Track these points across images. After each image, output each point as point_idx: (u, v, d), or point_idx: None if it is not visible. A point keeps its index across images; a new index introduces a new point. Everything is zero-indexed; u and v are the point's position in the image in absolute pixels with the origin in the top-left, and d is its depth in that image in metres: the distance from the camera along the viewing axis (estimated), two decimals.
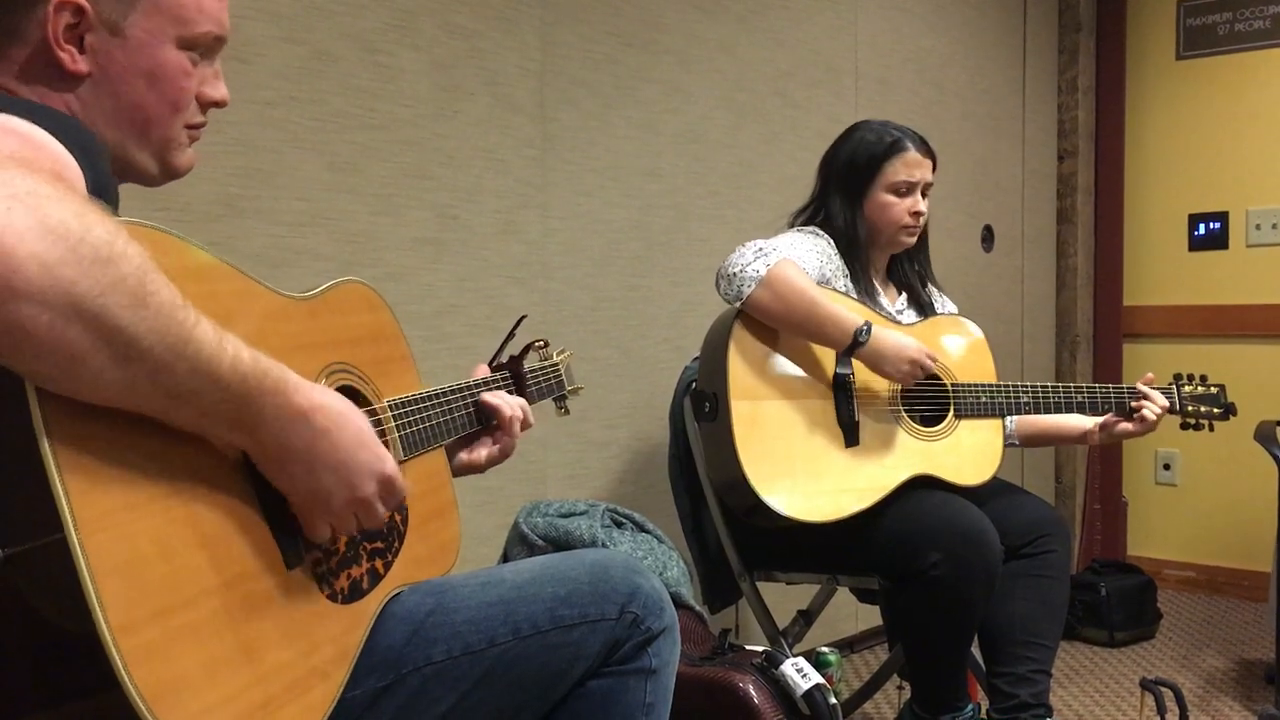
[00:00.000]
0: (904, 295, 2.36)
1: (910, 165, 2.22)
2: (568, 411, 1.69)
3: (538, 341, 1.61)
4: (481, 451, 1.42)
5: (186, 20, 1.10)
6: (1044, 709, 2.11)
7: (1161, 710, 2.26)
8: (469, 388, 1.41)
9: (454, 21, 2.22)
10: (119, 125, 1.09)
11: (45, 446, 0.78)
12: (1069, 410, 2.27)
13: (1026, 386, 2.24)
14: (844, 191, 2.24)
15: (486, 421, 1.42)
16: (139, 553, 0.83)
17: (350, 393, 1.18)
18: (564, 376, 1.66)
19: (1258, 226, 3.87)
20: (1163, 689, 2.28)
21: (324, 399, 0.99)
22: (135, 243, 0.81)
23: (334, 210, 2.05)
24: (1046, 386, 2.25)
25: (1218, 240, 3.96)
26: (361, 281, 1.29)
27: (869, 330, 2.03)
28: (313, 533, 1.02)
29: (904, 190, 2.22)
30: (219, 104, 1.17)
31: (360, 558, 1.12)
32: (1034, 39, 4.00)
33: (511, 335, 1.55)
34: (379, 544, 1.16)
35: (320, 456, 0.98)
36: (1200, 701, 2.84)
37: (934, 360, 2.10)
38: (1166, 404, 2.25)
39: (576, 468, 2.50)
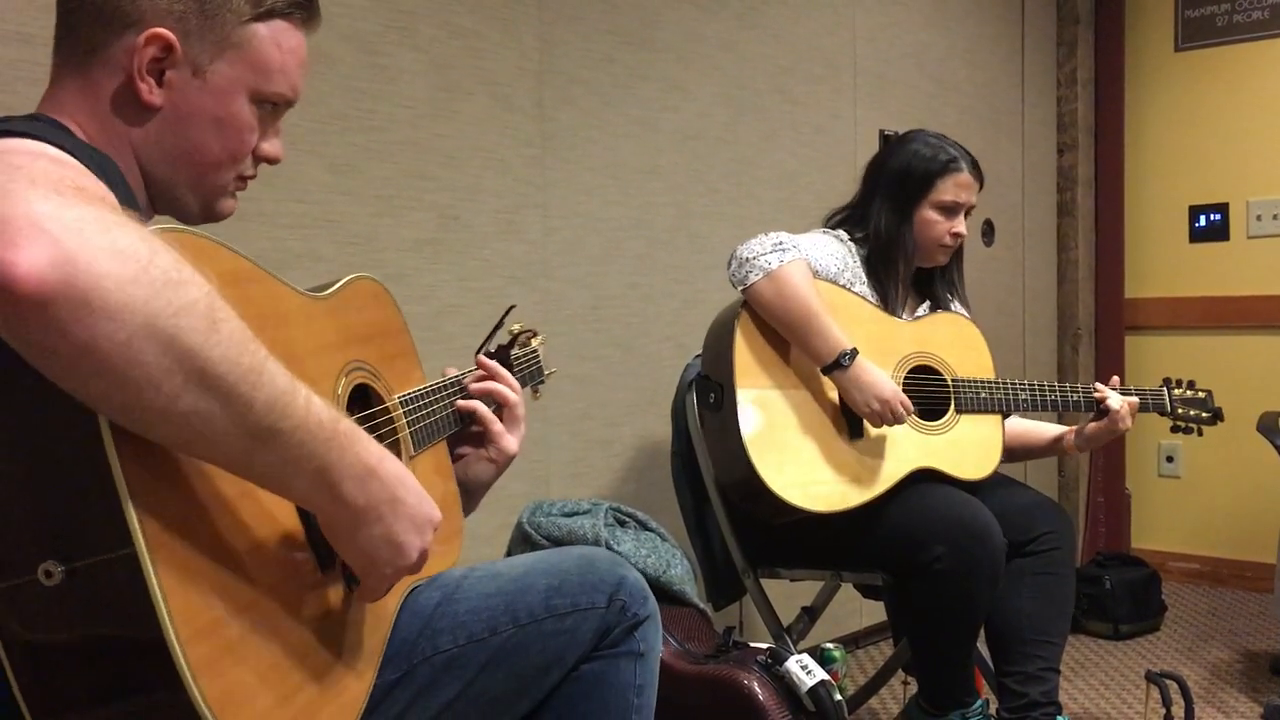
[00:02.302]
0: (926, 304, 2.34)
1: (961, 187, 2.21)
2: (539, 396, 1.68)
3: (527, 331, 1.62)
4: (477, 467, 1.41)
5: (266, 77, 1.12)
6: (1054, 707, 2.12)
7: (1167, 702, 2.26)
8: (464, 375, 1.43)
9: (452, 22, 2.22)
10: (176, 163, 1.11)
11: (114, 460, 0.78)
12: (1065, 409, 2.27)
13: (1025, 384, 2.25)
14: (892, 201, 2.22)
15: (466, 423, 1.40)
16: (198, 563, 0.84)
17: (365, 390, 1.21)
18: (541, 362, 1.67)
19: (1258, 217, 3.87)
20: (1168, 681, 2.28)
21: (383, 450, 0.97)
22: (198, 272, 0.81)
23: (334, 212, 2.05)
24: (1044, 385, 2.26)
25: (1218, 232, 3.96)
26: (370, 277, 1.31)
27: (853, 356, 2.03)
28: (376, 594, 1.01)
29: (950, 210, 2.21)
30: (272, 160, 1.19)
31: None
32: (1032, 32, 3.99)
33: (500, 325, 1.56)
34: None
35: (400, 508, 0.96)
36: (1206, 693, 2.84)
37: (909, 411, 2.08)
38: (1134, 401, 2.26)
39: (579, 466, 2.51)
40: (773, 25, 2.96)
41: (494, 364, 1.45)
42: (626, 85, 2.58)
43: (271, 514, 0.95)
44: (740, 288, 2.07)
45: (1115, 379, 2.33)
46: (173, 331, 0.77)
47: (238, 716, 0.83)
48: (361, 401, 1.21)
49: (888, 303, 2.23)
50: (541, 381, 1.68)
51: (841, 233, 2.26)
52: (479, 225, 2.28)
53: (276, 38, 1.12)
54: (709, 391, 2.11)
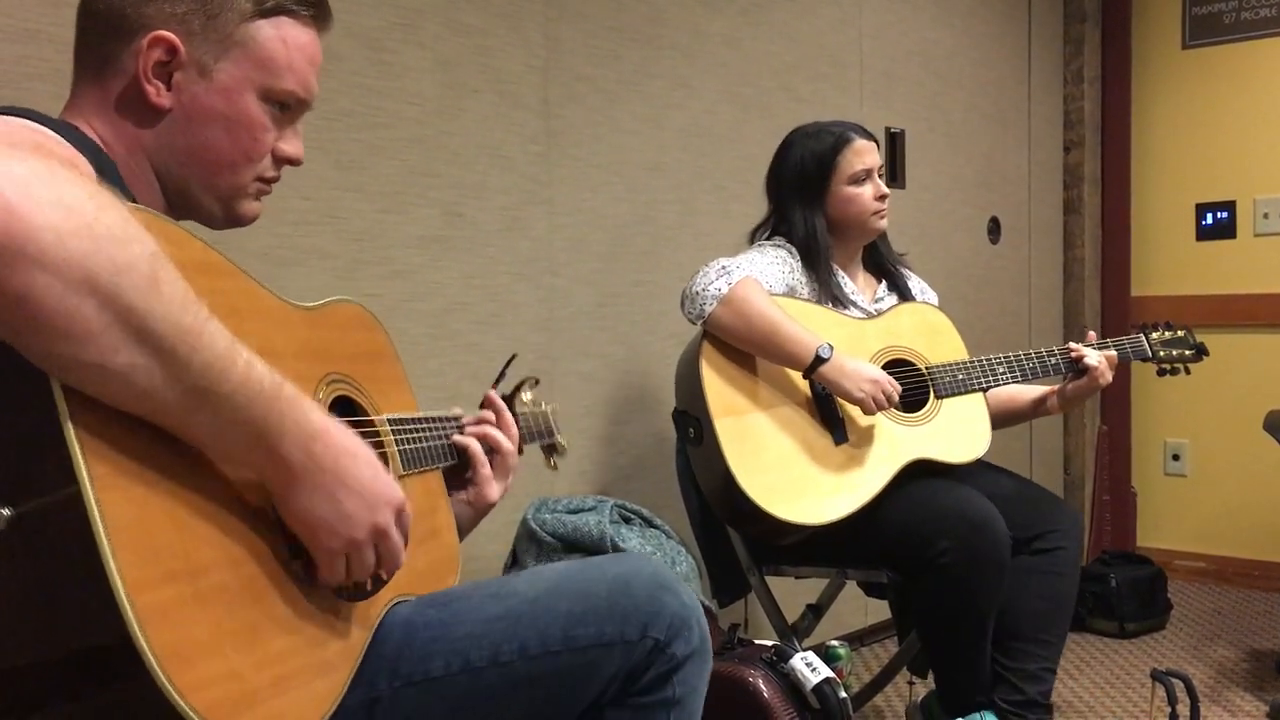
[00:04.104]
0: (884, 283, 2.36)
1: (860, 153, 2.23)
2: (556, 467, 1.65)
3: (530, 379, 1.59)
4: (455, 509, 1.35)
5: (273, 74, 1.12)
6: (1048, 707, 2.12)
7: (1172, 701, 2.25)
8: (461, 417, 1.40)
9: (458, 19, 2.22)
10: (188, 164, 1.11)
11: (61, 404, 0.78)
12: (1045, 374, 2.25)
13: (1001, 357, 2.24)
14: (801, 198, 2.24)
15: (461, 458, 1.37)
16: (150, 516, 0.83)
17: (348, 403, 1.19)
18: (552, 423, 1.63)
19: (1265, 215, 3.86)
20: (1174, 680, 2.28)
21: (334, 421, 0.97)
22: (147, 231, 0.82)
23: (340, 208, 2.05)
24: (1020, 354, 2.25)
25: (1225, 229, 3.95)
26: (357, 302, 1.29)
27: (830, 350, 2.03)
28: (330, 570, 0.98)
29: (862, 178, 2.23)
30: (292, 160, 1.18)
31: None
32: (1039, 30, 3.99)
33: (502, 375, 1.53)
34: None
35: (345, 477, 0.95)
36: (1211, 692, 2.84)
37: (898, 391, 2.08)
38: (1114, 355, 2.25)
39: (584, 463, 2.51)
40: (779, 22, 2.95)
41: (501, 404, 1.42)
42: (632, 82, 2.58)
43: (238, 492, 0.94)
44: (699, 322, 2.08)
45: (1091, 334, 2.32)
46: (111, 289, 0.77)
47: (186, 672, 0.81)
48: (343, 415, 1.19)
49: (840, 300, 2.23)
50: (553, 446, 1.62)
51: (778, 239, 2.27)
52: (484, 222, 2.28)
53: (282, 34, 1.12)
54: (688, 426, 2.11)
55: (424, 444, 1.28)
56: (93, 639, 0.80)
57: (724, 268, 2.09)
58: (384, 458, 1.21)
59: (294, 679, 0.94)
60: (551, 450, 1.63)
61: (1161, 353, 2.35)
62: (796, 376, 2.11)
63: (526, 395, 1.57)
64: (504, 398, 1.48)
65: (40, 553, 0.80)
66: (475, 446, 1.36)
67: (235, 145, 1.12)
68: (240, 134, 1.12)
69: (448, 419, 1.36)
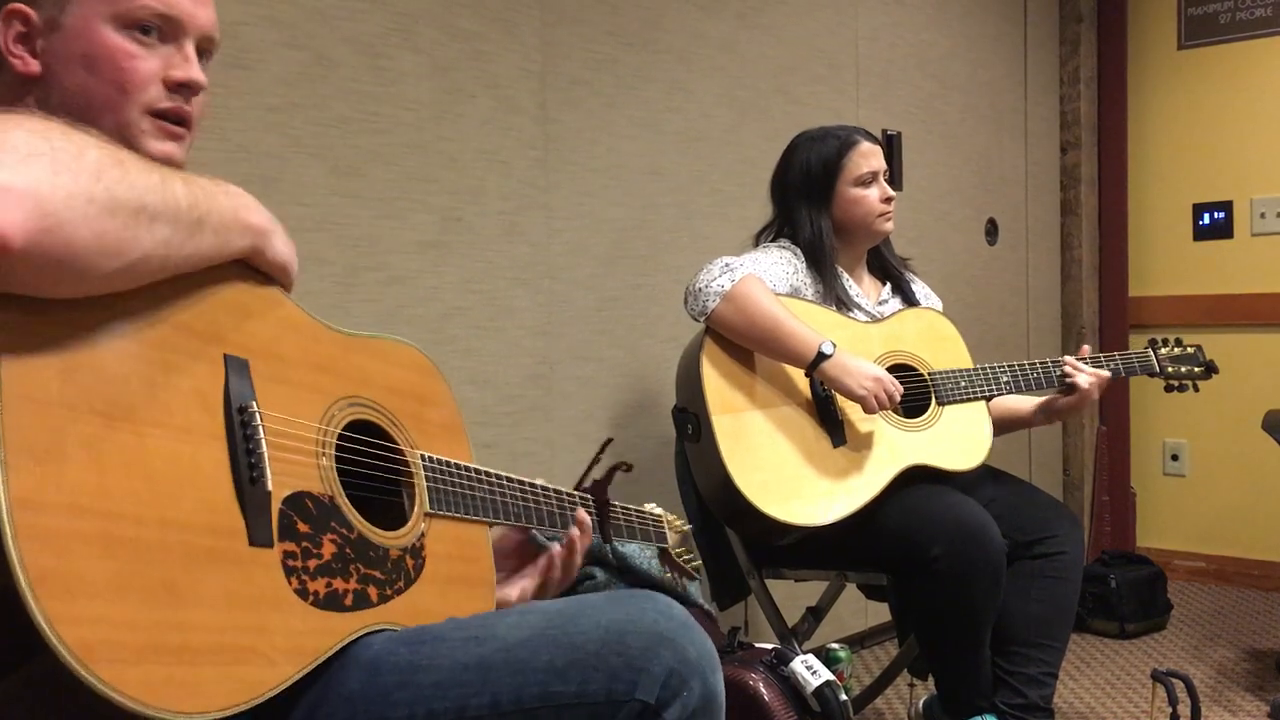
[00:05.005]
0: (888, 286, 2.37)
1: (866, 155, 2.25)
2: (683, 586, 1.55)
3: (623, 465, 1.50)
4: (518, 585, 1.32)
5: None
6: (1050, 711, 2.12)
7: (1173, 701, 2.25)
8: (525, 483, 1.36)
9: (454, 24, 2.23)
10: (70, 117, 1.04)
11: None
12: (1049, 385, 2.25)
13: (1005, 366, 2.24)
14: (807, 200, 2.24)
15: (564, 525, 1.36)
16: (65, 448, 0.83)
17: (373, 428, 1.18)
18: (666, 530, 1.54)
19: (1262, 215, 3.86)
20: (1174, 680, 2.28)
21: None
22: (76, 129, 0.90)
23: (338, 215, 2.05)
24: (1024, 364, 2.24)
25: (1222, 230, 3.95)
26: (414, 346, 1.28)
27: (833, 347, 2.03)
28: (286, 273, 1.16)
29: (868, 180, 2.24)
30: (187, 85, 1.10)
31: (350, 573, 1.09)
32: (1035, 31, 3.99)
33: (597, 459, 1.43)
34: (376, 572, 1.12)
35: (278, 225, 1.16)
36: (1212, 692, 2.84)
37: (899, 390, 2.07)
38: (1106, 375, 2.24)
39: (583, 468, 2.50)
40: (775, 26, 2.96)
41: (588, 521, 1.37)
42: (629, 87, 2.59)
43: (199, 465, 0.94)
44: (702, 318, 2.08)
45: (1085, 349, 2.30)
46: (107, 198, 0.87)
47: (61, 601, 0.79)
48: (368, 438, 1.18)
49: (844, 302, 2.24)
50: (668, 552, 1.53)
51: (783, 241, 2.27)
52: (482, 227, 2.28)
53: None
54: (686, 423, 2.11)
55: (460, 490, 1.25)
56: None
57: (727, 265, 2.09)
58: (412, 488, 1.20)
59: (212, 654, 0.91)
60: (667, 557, 1.55)
61: (1170, 369, 2.34)
62: (797, 377, 2.11)
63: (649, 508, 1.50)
64: (596, 482, 1.41)
65: None
66: (573, 534, 1.33)
67: (101, 80, 1.07)
68: (102, 67, 1.07)
69: (520, 481, 1.32)
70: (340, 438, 1.13)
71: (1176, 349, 2.36)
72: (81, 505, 0.83)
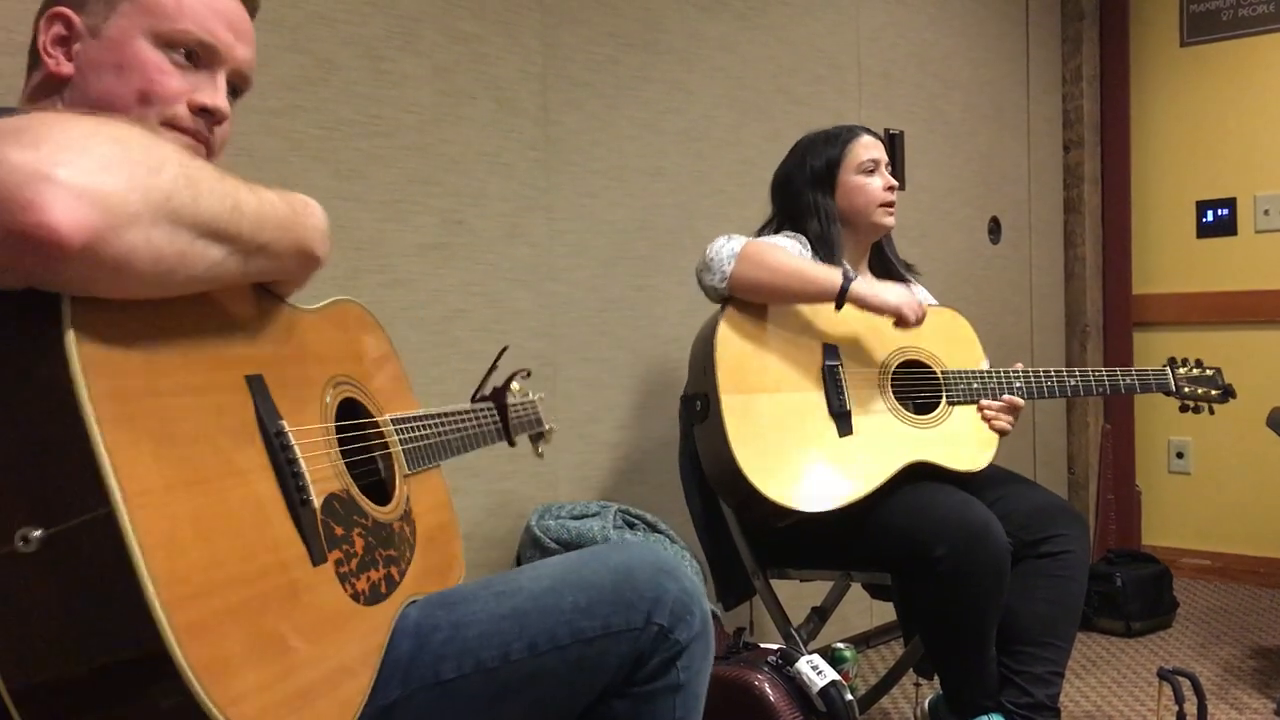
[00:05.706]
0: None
1: (867, 147, 2.29)
2: (542, 455, 1.71)
3: (521, 371, 1.62)
4: None
5: (162, 16, 1.11)
6: (1056, 711, 2.12)
7: (1179, 699, 2.25)
8: (463, 412, 1.43)
9: (455, 27, 2.23)
10: None
11: (91, 422, 0.78)
12: (1061, 394, 2.26)
13: (1017, 372, 2.23)
14: (812, 187, 2.27)
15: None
16: (179, 532, 0.83)
17: (353, 405, 1.20)
18: (540, 412, 1.68)
19: (1266, 212, 3.86)
20: (1180, 678, 2.27)
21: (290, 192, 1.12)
22: (162, 141, 0.91)
23: (340, 218, 2.05)
24: (1039, 371, 2.25)
25: (1226, 227, 3.95)
26: (357, 302, 1.30)
27: (854, 273, 2.07)
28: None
29: (871, 168, 2.27)
30: (210, 111, 1.13)
31: (377, 562, 1.12)
32: (1036, 29, 3.99)
33: (494, 367, 1.56)
34: (392, 551, 1.16)
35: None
36: (1218, 690, 2.83)
37: (925, 314, 2.12)
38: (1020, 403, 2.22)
39: (587, 469, 2.51)
40: (776, 26, 2.96)
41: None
42: (630, 88, 2.59)
43: (258, 501, 0.95)
44: (723, 284, 2.07)
45: (1019, 364, 2.28)
46: (175, 213, 0.87)
47: (226, 687, 0.81)
48: (349, 416, 1.20)
49: None
50: (541, 435, 1.69)
51: (788, 231, 2.28)
52: (484, 229, 2.29)
53: None
54: (695, 403, 2.11)
55: (425, 442, 1.30)
56: (127, 656, 0.79)
57: (729, 236, 2.12)
58: (389, 458, 1.23)
59: (320, 686, 0.95)
60: (539, 439, 1.68)
61: (1186, 389, 2.31)
62: (811, 365, 2.11)
63: (515, 386, 1.61)
64: (495, 389, 1.53)
65: (72, 572, 0.79)
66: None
67: (128, 86, 1.09)
68: (131, 76, 1.09)
69: (448, 413, 1.38)
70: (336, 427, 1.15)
71: (1195, 369, 2.32)
72: (206, 586, 0.84)
